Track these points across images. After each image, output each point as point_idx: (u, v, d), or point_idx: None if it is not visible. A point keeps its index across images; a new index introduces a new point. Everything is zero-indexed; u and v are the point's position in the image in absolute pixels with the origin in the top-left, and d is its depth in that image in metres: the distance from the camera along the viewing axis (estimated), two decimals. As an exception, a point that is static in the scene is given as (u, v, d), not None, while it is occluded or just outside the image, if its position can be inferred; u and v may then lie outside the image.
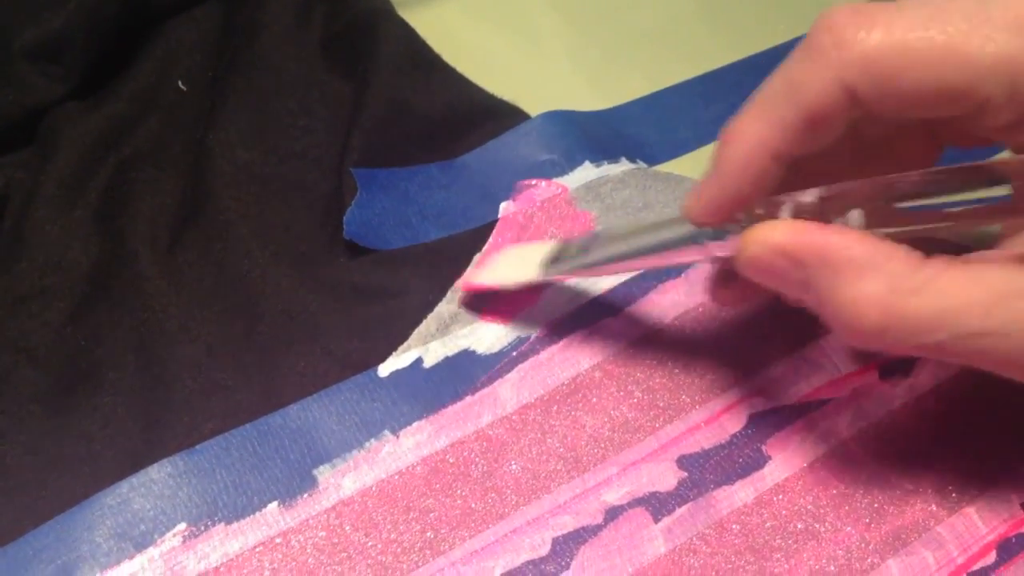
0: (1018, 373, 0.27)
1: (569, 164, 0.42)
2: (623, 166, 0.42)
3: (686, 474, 0.34)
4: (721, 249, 0.30)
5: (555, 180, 0.41)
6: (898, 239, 0.27)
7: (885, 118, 0.28)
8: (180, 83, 0.45)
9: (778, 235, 0.28)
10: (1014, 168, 0.25)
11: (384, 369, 0.36)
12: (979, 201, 0.26)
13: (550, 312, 0.38)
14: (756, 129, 0.28)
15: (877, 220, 0.27)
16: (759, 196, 0.29)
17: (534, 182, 0.41)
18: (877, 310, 0.26)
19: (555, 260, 0.35)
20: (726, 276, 0.34)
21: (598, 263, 0.34)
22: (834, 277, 0.27)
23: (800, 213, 0.29)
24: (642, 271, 0.38)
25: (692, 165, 0.43)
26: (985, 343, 0.26)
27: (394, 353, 0.36)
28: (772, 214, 0.29)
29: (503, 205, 0.40)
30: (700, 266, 0.39)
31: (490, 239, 0.39)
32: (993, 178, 0.25)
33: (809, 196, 0.28)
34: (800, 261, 0.28)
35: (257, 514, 0.32)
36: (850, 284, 0.26)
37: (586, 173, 0.41)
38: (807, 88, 0.27)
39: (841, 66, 0.26)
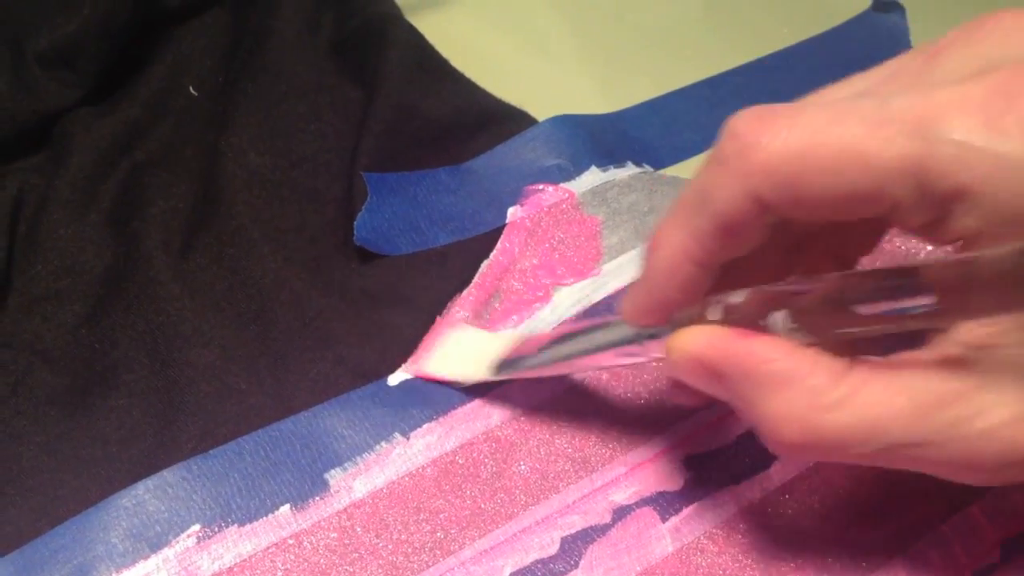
0: (957, 476, 0.26)
1: (576, 169, 0.42)
2: (629, 170, 0.42)
3: (693, 474, 0.35)
4: (656, 350, 0.30)
5: (562, 185, 0.41)
6: (824, 343, 0.26)
7: (800, 221, 0.27)
8: (191, 88, 0.45)
9: (698, 343, 0.28)
10: (937, 272, 0.23)
11: (394, 379, 0.36)
12: (903, 310, 0.24)
13: (559, 313, 0.38)
14: (675, 238, 0.28)
15: (806, 319, 0.26)
16: (689, 299, 0.29)
17: (541, 187, 0.41)
18: (797, 426, 0.26)
19: (504, 362, 0.35)
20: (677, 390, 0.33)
21: (545, 363, 0.34)
22: (754, 390, 0.26)
23: (730, 314, 0.28)
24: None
25: (697, 169, 0.43)
26: (915, 452, 0.25)
27: (404, 364, 0.37)
28: (702, 315, 0.28)
29: (511, 210, 0.41)
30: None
31: (499, 244, 0.40)
32: (917, 285, 0.24)
33: (738, 297, 0.28)
34: (719, 372, 0.27)
35: (270, 516, 0.33)
36: (769, 399, 0.26)
37: (593, 178, 0.42)
38: (716, 198, 0.26)
39: (745, 175, 0.25)
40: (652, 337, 0.30)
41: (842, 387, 0.25)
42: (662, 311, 0.29)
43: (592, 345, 0.32)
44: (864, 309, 0.25)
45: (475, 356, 0.36)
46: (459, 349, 0.37)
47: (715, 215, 0.26)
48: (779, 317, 0.27)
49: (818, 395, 0.25)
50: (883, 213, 0.25)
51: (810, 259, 0.31)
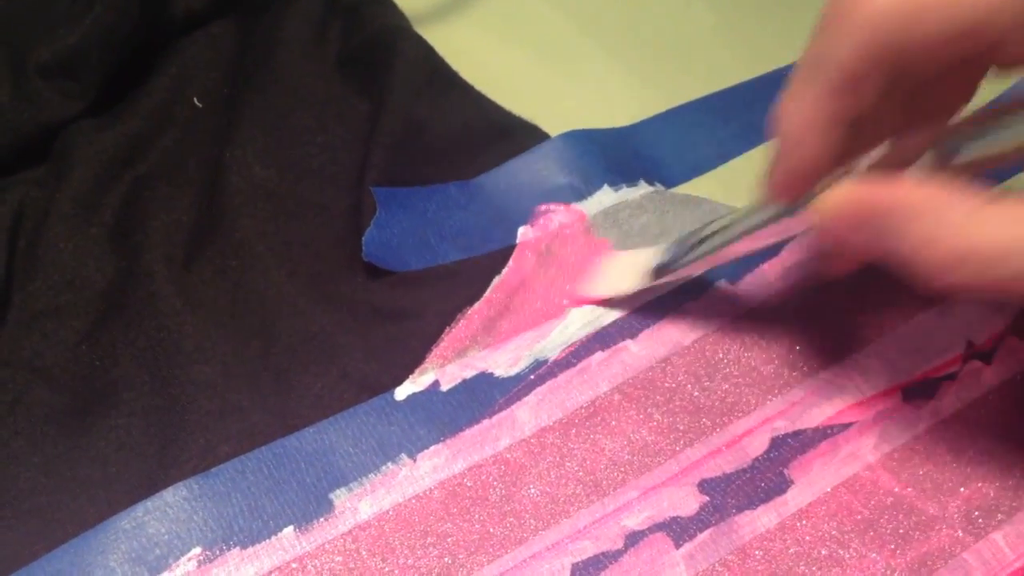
0: None
1: (588, 188, 0.41)
2: (641, 189, 0.42)
3: (707, 498, 0.34)
4: (797, 223, 0.31)
5: (573, 205, 0.41)
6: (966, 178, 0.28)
7: (916, 66, 0.29)
8: (196, 100, 0.45)
9: (843, 196, 0.29)
10: None
11: (401, 392, 0.35)
12: None
13: (569, 334, 0.37)
14: (799, 106, 0.30)
15: (943, 165, 0.29)
16: (822, 165, 0.30)
17: (552, 207, 0.41)
18: (949, 243, 0.26)
19: (660, 267, 0.36)
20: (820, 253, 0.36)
21: (698, 258, 0.35)
22: (905, 223, 0.27)
23: (867, 173, 0.30)
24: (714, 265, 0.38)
25: (711, 185, 0.43)
26: None
27: (411, 376, 0.36)
28: (840, 181, 0.30)
29: (521, 230, 0.40)
30: (720, 288, 0.38)
31: (508, 265, 0.39)
32: None
33: (872, 157, 0.30)
34: (866, 216, 0.28)
35: (273, 538, 0.32)
36: (921, 225, 0.27)
37: (604, 198, 0.41)
38: (833, 57, 0.28)
39: (859, 26, 0.27)
40: (789, 214, 0.32)
41: (990, 208, 0.26)
42: (800, 182, 0.31)
43: (739, 232, 0.33)
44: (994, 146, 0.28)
45: (630, 271, 0.37)
46: (614, 270, 0.38)
47: (834, 74, 0.28)
48: (924, 159, 0.29)
49: (968, 214, 0.26)
50: (988, 46, 0.27)
51: (921, 113, 0.32)
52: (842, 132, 0.30)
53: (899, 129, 0.31)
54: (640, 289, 0.37)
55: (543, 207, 0.41)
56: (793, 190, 0.31)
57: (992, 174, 0.30)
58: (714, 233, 0.35)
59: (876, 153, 0.30)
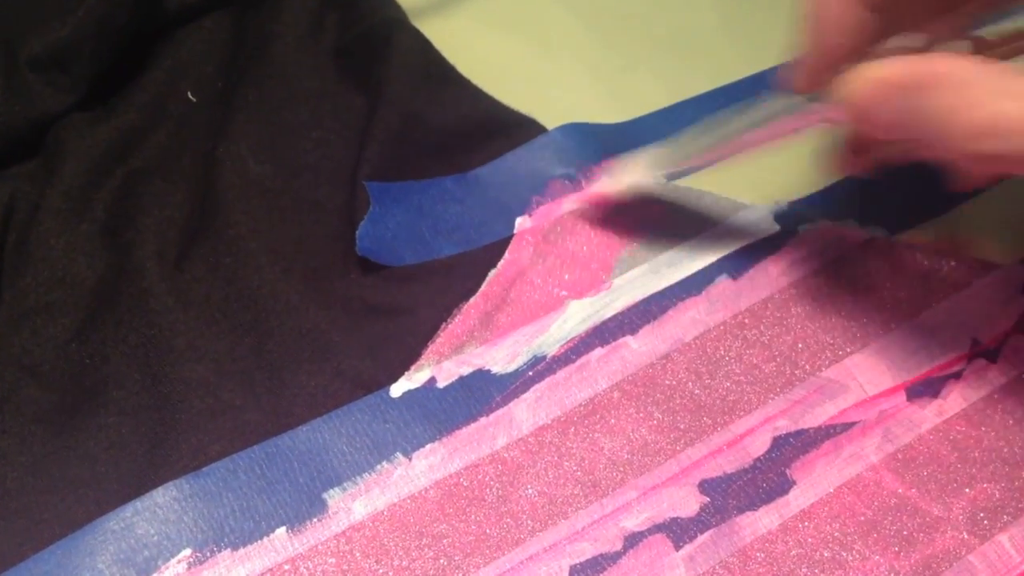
0: None
1: (586, 179, 0.41)
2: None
3: (708, 499, 0.33)
4: (827, 109, 0.31)
5: (571, 195, 0.40)
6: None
7: None
8: (190, 94, 0.44)
9: (874, 70, 0.29)
10: None
11: (396, 389, 0.35)
12: None
13: (568, 330, 0.37)
14: None
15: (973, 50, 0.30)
16: (853, 52, 0.30)
17: (551, 198, 0.40)
18: (980, 111, 0.26)
19: (668, 158, 0.37)
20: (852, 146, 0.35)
21: (716, 143, 0.35)
22: (940, 95, 0.27)
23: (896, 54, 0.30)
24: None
25: (711, 179, 0.42)
26: None
27: (407, 373, 0.35)
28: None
29: (519, 221, 0.39)
30: (722, 284, 0.38)
31: (505, 257, 0.38)
32: None
33: (902, 42, 0.30)
34: (903, 87, 0.28)
35: (265, 539, 0.32)
36: (956, 95, 0.26)
37: (603, 188, 0.40)
38: None
39: None
40: (816, 100, 0.31)
41: (1020, 77, 0.26)
42: (828, 68, 0.31)
43: (760, 118, 0.33)
44: None
45: (653, 160, 0.38)
46: (636, 162, 0.39)
47: None
48: (959, 45, 0.30)
49: (998, 81, 0.26)
50: None
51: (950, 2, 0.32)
52: (871, 16, 0.30)
53: (928, 17, 0.31)
54: (661, 177, 0.38)
55: (540, 198, 0.40)
56: (823, 74, 0.31)
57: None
58: (741, 118, 0.34)
59: (910, 40, 0.30)
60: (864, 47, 0.31)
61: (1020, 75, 0.26)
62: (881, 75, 0.28)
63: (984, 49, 0.30)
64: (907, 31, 0.31)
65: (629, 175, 0.38)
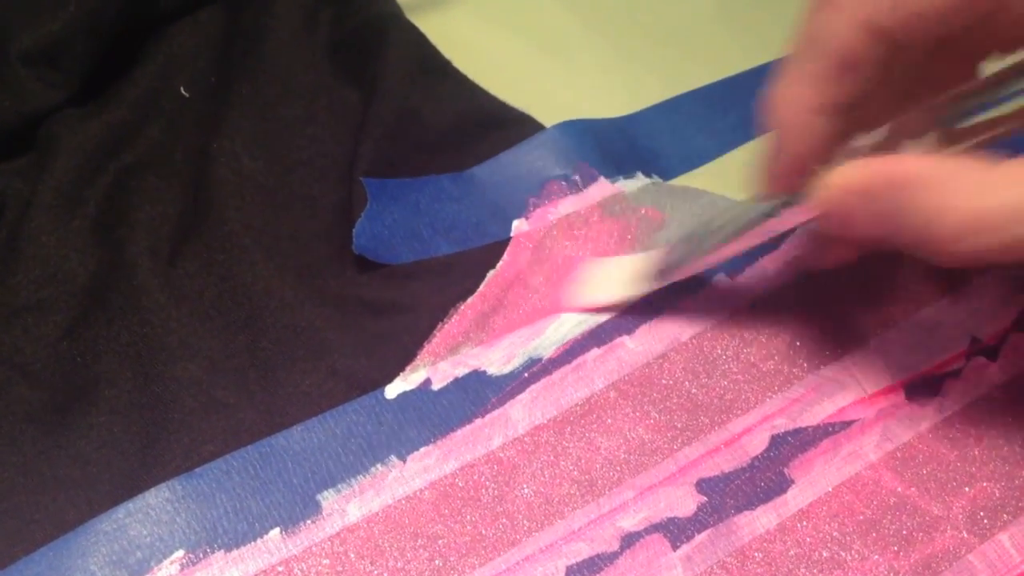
0: None
1: (584, 180, 0.40)
2: (639, 181, 0.41)
3: (705, 499, 0.33)
4: (797, 214, 0.31)
5: (569, 197, 0.40)
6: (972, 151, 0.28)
7: (911, 43, 0.28)
8: (182, 89, 0.44)
9: (848, 173, 0.28)
10: None
11: (391, 391, 0.34)
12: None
13: (565, 331, 0.36)
14: (795, 92, 0.30)
15: (946, 141, 0.29)
16: (822, 153, 0.30)
17: (547, 200, 0.40)
18: (960, 214, 0.26)
19: (662, 270, 0.36)
20: (820, 241, 0.35)
21: (698, 256, 0.34)
22: (913, 197, 0.26)
23: (870, 153, 0.29)
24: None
25: (709, 177, 0.42)
26: None
27: (402, 374, 0.35)
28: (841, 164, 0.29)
29: (516, 223, 0.39)
30: (719, 282, 0.37)
31: (503, 259, 0.38)
32: None
33: (869, 139, 0.29)
34: (874, 192, 0.27)
35: (258, 541, 0.31)
36: (930, 198, 0.26)
37: (601, 190, 0.40)
38: (830, 35, 0.28)
39: (856, 3, 0.28)
40: (788, 205, 0.31)
41: (997, 173, 0.25)
42: (799, 170, 0.30)
43: (734, 229, 0.33)
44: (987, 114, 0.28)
45: (628, 276, 0.37)
46: (609, 275, 0.37)
47: (830, 53, 0.29)
48: (924, 140, 0.29)
49: (978, 179, 0.26)
50: (989, 13, 0.27)
51: (920, 97, 0.31)
52: (839, 117, 0.30)
53: (893, 112, 0.30)
54: (636, 295, 0.37)
55: (538, 200, 0.40)
56: (792, 178, 0.31)
57: (1006, 144, 0.29)
58: (713, 232, 0.34)
59: (876, 135, 0.30)
60: (830, 148, 0.30)
61: (993, 168, 0.26)
62: (849, 181, 0.28)
63: (952, 141, 0.29)
64: (872, 127, 0.31)
65: (609, 287, 0.37)
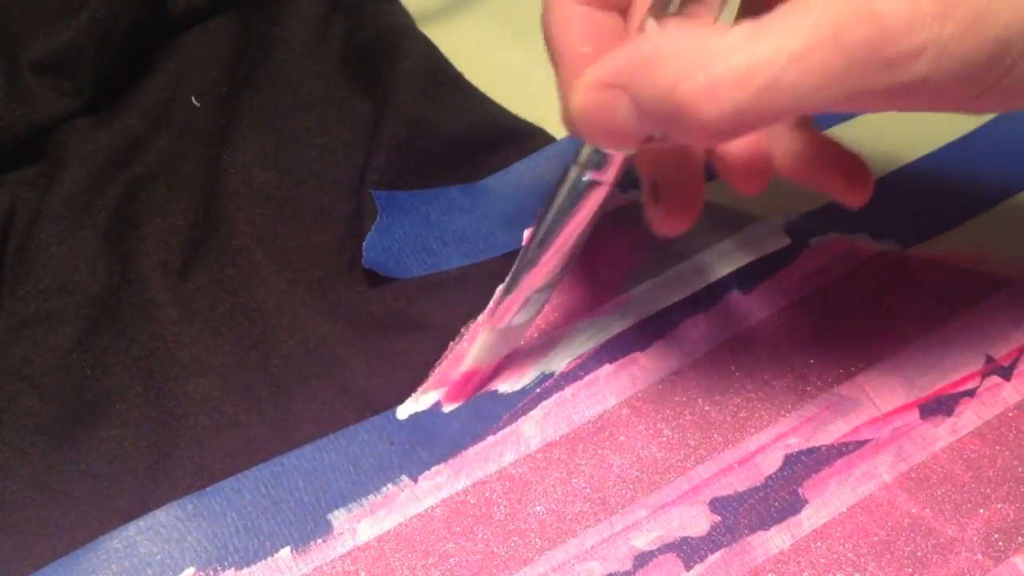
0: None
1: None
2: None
3: (719, 518, 0.33)
4: (615, 167, 0.29)
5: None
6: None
7: None
8: (194, 99, 0.43)
9: (595, 71, 0.26)
10: None
11: (403, 411, 0.34)
12: None
13: (577, 346, 0.36)
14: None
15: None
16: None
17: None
18: (706, 73, 0.23)
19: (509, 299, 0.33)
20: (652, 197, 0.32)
21: (536, 257, 0.32)
22: (656, 75, 0.24)
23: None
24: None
25: (718, 188, 0.41)
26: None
27: (413, 395, 0.35)
28: None
29: (527, 233, 0.39)
30: (732, 298, 0.37)
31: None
32: None
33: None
34: (624, 81, 0.25)
35: (269, 559, 0.31)
36: (671, 69, 0.24)
37: (613, 200, 0.40)
38: None
39: None
40: (602, 162, 0.29)
41: (733, 33, 0.23)
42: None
43: (562, 209, 0.31)
44: None
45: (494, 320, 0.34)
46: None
47: None
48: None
49: (716, 44, 0.23)
50: None
51: None
52: (604, 15, 0.30)
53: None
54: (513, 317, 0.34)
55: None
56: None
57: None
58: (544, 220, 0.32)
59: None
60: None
61: (727, 29, 0.24)
62: (597, 78, 0.26)
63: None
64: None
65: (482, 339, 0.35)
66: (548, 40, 0.30)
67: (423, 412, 0.34)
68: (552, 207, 0.31)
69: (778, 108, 0.24)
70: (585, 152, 0.30)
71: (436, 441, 0.34)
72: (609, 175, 0.30)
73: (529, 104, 0.43)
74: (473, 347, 0.35)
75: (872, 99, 0.24)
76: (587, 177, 0.30)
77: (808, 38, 0.23)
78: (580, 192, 0.30)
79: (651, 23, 0.27)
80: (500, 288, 0.34)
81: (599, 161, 0.29)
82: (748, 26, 0.23)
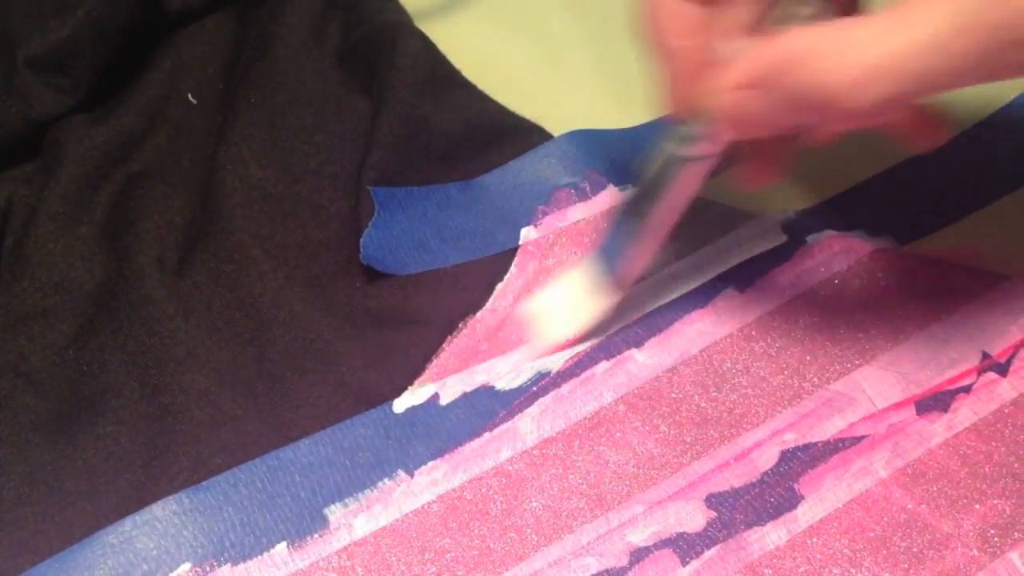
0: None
1: (593, 187, 0.40)
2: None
3: (715, 514, 0.33)
4: (712, 144, 0.31)
5: (578, 204, 0.40)
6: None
7: None
8: (190, 96, 0.43)
9: (736, 70, 0.28)
10: None
11: (399, 405, 0.34)
12: None
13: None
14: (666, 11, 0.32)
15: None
16: (704, 52, 0.31)
17: (557, 208, 0.40)
18: (854, 69, 0.26)
19: (600, 278, 0.35)
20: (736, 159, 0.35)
21: (645, 234, 0.34)
22: (802, 72, 0.27)
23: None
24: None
25: (717, 187, 0.41)
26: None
27: (410, 388, 0.35)
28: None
29: (524, 231, 0.39)
30: (729, 295, 0.37)
31: (511, 271, 0.38)
32: None
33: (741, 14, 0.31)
34: (766, 79, 0.28)
35: (265, 555, 0.31)
36: (819, 66, 0.26)
37: (610, 197, 0.40)
38: None
39: None
40: (696, 137, 0.31)
41: (873, 23, 0.26)
42: (691, 77, 0.31)
43: (659, 184, 0.32)
44: None
45: (580, 295, 0.36)
46: (561, 306, 0.37)
47: None
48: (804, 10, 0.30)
49: (859, 37, 0.26)
50: None
51: None
52: (703, 10, 0.31)
53: None
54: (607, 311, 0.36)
55: (546, 208, 0.40)
56: (686, 94, 0.31)
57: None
58: (637, 198, 0.34)
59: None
60: (710, 45, 0.31)
61: (866, 21, 0.26)
62: (738, 78, 0.28)
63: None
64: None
65: (577, 308, 0.37)
66: (653, 35, 0.32)
67: (420, 405, 0.34)
68: (654, 184, 0.33)
69: (923, 91, 0.26)
70: (685, 131, 0.31)
71: (433, 434, 0.34)
72: (713, 148, 0.31)
73: (526, 101, 0.43)
74: (581, 318, 0.36)
75: (1008, 73, 0.26)
76: (688, 153, 0.31)
77: (949, 27, 0.25)
78: (680, 168, 0.32)
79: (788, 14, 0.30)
80: (580, 273, 0.36)
81: (700, 138, 0.31)
82: (888, 17, 0.26)
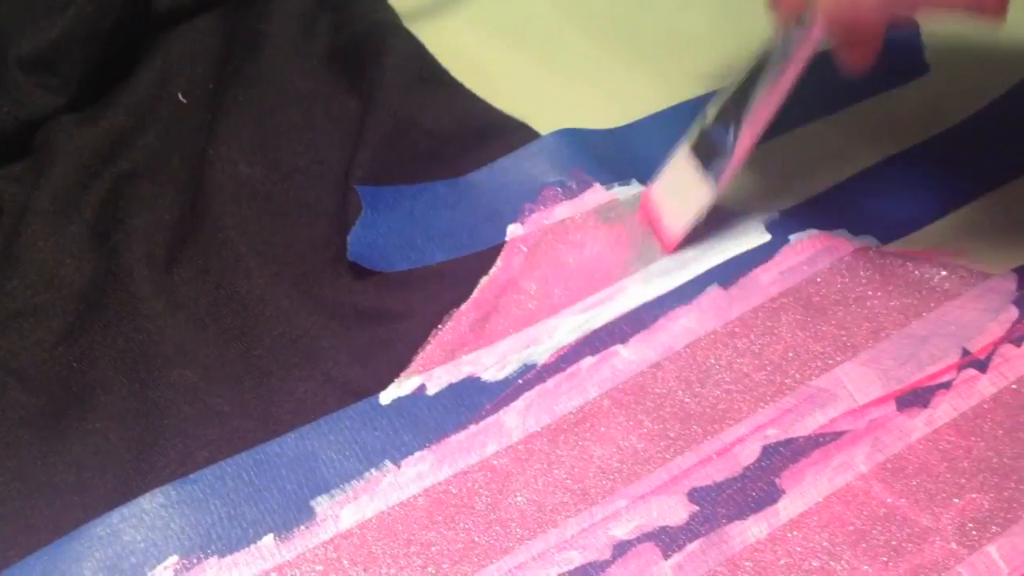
0: None
1: (579, 186, 0.40)
2: (634, 188, 0.41)
3: (697, 508, 0.33)
4: (811, 40, 0.33)
5: (564, 203, 0.40)
6: None
7: None
8: (180, 95, 0.44)
9: None
10: None
11: (386, 397, 0.35)
12: None
13: (559, 338, 0.36)
14: None
15: None
16: None
17: (543, 206, 0.40)
18: None
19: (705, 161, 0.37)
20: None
21: (751, 113, 0.35)
22: None
23: None
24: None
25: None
26: None
27: (396, 380, 0.35)
28: None
29: (510, 228, 0.39)
30: (713, 293, 0.38)
31: (498, 262, 0.38)
32: None
33: None
34: None
35: (252, 547, 0.31)
36: None
37: (596, 196, 0.40)
38: None
39: None
40: (801, 24, 0.33)
41: None
42: None
43: (772, 68, 0.35)
44: None
45: (684, 183, 0.38)
46: (670, 195, 0.39)
47: None
48: None
49: None
50: None
51: None
52: None
53: None
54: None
55: (532, 205, 0.40)
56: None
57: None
58: (742, 90, 0.36)
59: None
60: None
61: None
62: None
63: None
64: None
65: (688, 196, 0.38)
66: None
67: (406, 397, 0.35)
68: (751, 83, 0.35)
69: None
70: (788, 30, 0.34)
71: (419, 424, 0.34)
72: (818, 35, 0.33)
73: (514, 100, 0.44)
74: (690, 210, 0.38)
75: None
76: (793, 48, 0.34)
77: None
78: (782, 64, 0.34)
79: None
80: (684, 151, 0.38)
81: (808, 27, 0.33)
82: None
